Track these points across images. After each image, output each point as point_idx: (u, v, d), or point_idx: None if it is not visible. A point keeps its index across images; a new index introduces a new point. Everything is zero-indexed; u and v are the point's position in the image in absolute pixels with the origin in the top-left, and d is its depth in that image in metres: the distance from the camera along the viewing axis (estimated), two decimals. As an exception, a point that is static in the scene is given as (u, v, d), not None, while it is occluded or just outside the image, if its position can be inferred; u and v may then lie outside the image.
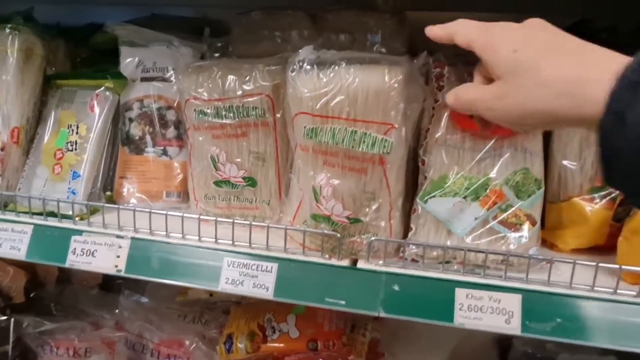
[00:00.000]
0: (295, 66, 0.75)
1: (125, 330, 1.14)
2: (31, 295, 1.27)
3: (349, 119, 0.74)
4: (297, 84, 0.75)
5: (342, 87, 0.73)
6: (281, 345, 1.07)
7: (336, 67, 0.74)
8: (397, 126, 0.74)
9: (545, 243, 0.90)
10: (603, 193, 0.85)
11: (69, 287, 1.29)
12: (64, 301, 1.25)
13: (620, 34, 0.84)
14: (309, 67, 0.74)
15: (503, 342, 1.31)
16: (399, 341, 1.44)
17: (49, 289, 1.29)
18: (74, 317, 1.17)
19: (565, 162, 0.86)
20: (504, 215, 0.79)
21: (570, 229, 0.87)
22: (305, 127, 0.76)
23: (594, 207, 0.85)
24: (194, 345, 1.09)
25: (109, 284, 1.33)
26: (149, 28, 1.09)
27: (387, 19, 1.00)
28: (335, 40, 1.03)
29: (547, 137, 0.87)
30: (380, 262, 0.79)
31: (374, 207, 0.78)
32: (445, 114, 0.83)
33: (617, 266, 0.73)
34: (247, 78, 0.87)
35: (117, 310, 1.18)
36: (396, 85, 0.72)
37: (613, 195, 0.85)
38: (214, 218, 0.83)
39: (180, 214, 0.85)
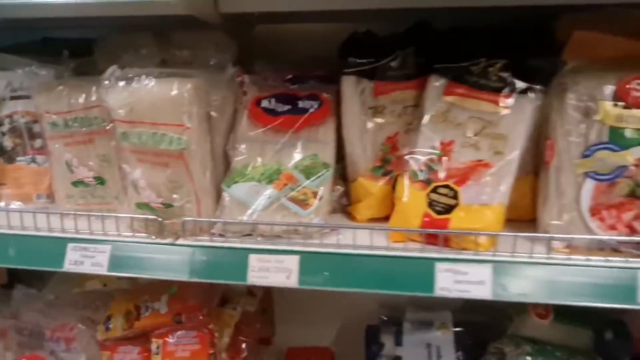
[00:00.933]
0: (105, 82, 0.92)
1: (17, 319, 1.29)
2: None
3: (150, 123, 0.91)
4: (108, 97, 0.92)
5: (142, 97, 0.90)
6: (151, 320, 1.24)
7: (136, 82, 0.91)
8: (190, 127, 0.91)
9: (350, 215, 1.09)
10: (382, 172, 1.04)
11: (-26, 288, 1.44)
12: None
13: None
14: (115, 82, 0.91)
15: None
16: (293, 312, 1.60)
17: (-44, 291, 1.43)
18: (-27, 314, 1.32)
19: (352, 148, 1.04)
20: (293, 193, 0.97)
21: (362, 203, 1.06)
22: (119, 131, 0.94)
23: (375, 183, 1.04)
24: (77, 326, 1.25)
25: (13, 284, 1.47)
26: (37, 51, 1.24)
27: (218, 36, 1.17)
28: (179, 55, 1.20)
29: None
30: (196, 238, 0.96)
31: (181, 194, 0.95)
32: (245, 113, 1.01)
33: (373, 227, 0.92)
34: (88, 93, 1.04)
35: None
36: (186, 94, 0.90)
37: (391, 174, 1.04)
38: (58, 212, 1.00)
39: (32, 211, 1.01)
